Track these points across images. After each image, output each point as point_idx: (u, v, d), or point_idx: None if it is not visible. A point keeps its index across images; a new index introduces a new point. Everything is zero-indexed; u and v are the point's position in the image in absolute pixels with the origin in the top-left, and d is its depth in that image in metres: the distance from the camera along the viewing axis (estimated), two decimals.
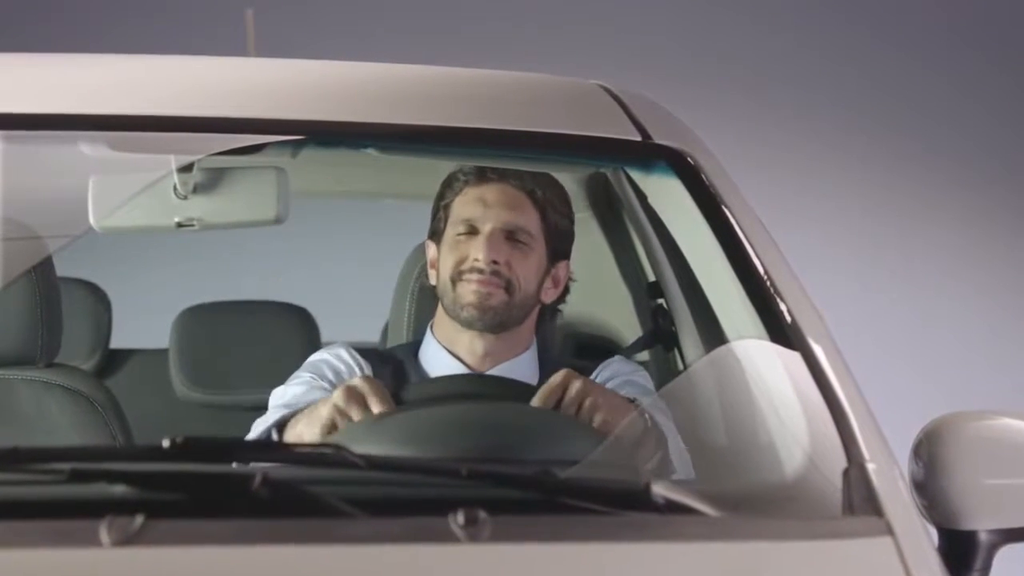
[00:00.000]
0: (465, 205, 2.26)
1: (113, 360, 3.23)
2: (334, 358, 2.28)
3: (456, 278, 2.24)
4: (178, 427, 2.98)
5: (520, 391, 2.08)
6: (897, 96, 5.24)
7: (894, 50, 5.23)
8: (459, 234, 2.25)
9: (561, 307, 2.44)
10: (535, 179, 2.27)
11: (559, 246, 2.31)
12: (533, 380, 2.28)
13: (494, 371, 2.27)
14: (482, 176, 2.26)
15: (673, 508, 1.49)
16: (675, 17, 5.22)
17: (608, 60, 4.82)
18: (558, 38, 5.11)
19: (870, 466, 1.56)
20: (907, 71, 5.23)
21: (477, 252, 2.22)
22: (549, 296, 2.32)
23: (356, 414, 1.94)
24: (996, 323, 5.22)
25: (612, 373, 2.30)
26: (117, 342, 3.26)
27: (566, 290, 2.38)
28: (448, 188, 2.30)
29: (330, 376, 2.24)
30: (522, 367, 2.30)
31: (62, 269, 2.51)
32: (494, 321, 2.24)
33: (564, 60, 4.45)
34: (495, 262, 2.21)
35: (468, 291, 2.23)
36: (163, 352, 3.17)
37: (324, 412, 1.97)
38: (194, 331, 3.17)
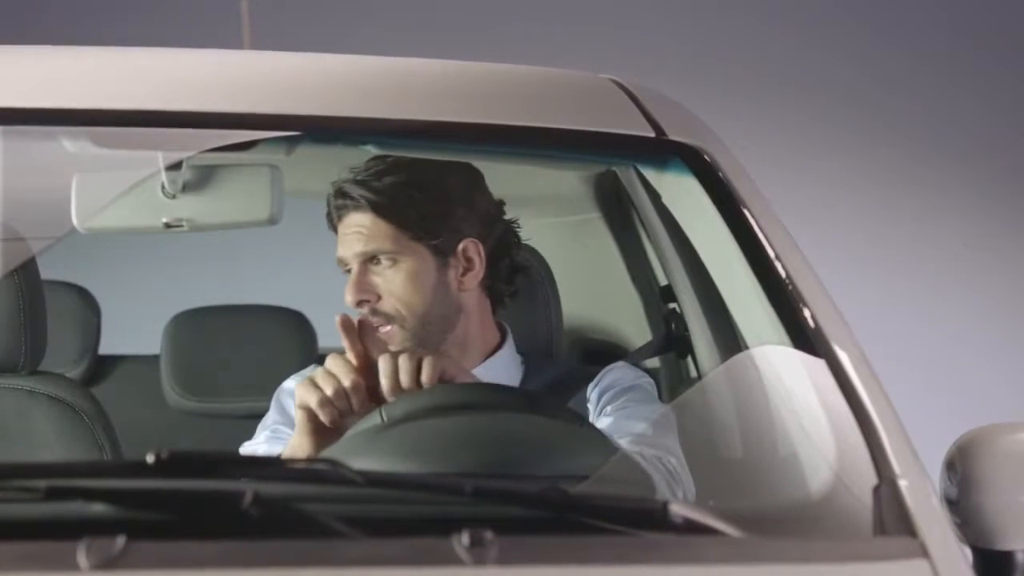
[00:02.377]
0: (337, 247, 2.18)
1: (102, 367, 3.18)
2: None
3: None
4: (169, 436, 3.01)
5: (497, 395, 1.96)
6: (906, 96, 5.20)
7: (899, 50, 5.22)
8: (345, 274, 2.18)
9: (555, 307, 2.38)
10: (384, 185, 2.14)
11: (448, 234, 2.16)
12: (514, 380, 2.21)
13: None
14: (339, 209, 2.17)
15: (692, 528, 1.43)
16: (679, 15, 5.21)
17: (611, 58, 4.77)
18: (564, 33, 5.07)
19: (902, 482, 1.50)
20: (916, 71, 5.23)
21: (347, 297, 2.14)
22: (470, 282, 2.18)
23: (326, 415, 1.91)
24: (1012, 330, 5.16)
25: (613, 379, 2.21)
26: (106, 348, 3.20)
27: (506, 263, 2.24)
28: (329, 224, 2.22)
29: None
30: (498, 368, 2.21)
31: (48, 272, 2.46)
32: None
33: (569, 56, 4.40)
34: (364, 301, 2.13)
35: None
36: (154, 358, 3.13)
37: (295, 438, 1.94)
38: (187, 336, 3.12)
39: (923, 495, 1.49)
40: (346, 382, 1.93)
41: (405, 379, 1.92)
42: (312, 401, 1.93)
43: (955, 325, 5.17)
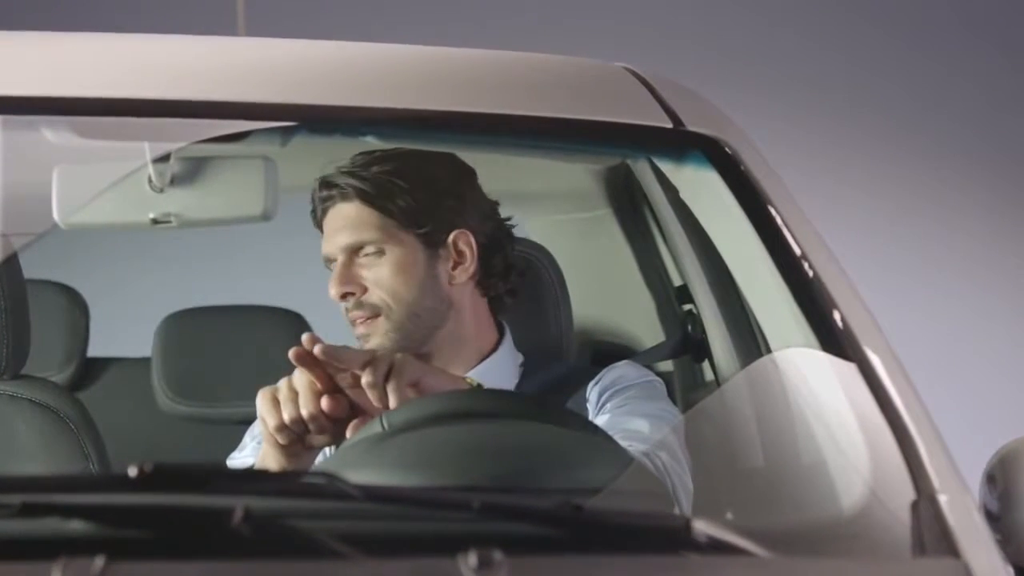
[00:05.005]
0: (323, 244, 2.15)
1: (91, 370, 3.11)
2: None
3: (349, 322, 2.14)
4: (161, 442, 2.96)
5: (507, 401, 1.90)
6: (915, 94, 5.20)
7: (909, 47, 5.24)
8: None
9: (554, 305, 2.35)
10: (369, 174, 2.11)
11: (437, 225, 2.13)
12: (511, 382, 2.16)
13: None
14: (323, 203, 2.14)
15: (717, 547, 1.36)
16: (687, 12, 5.18)
17: (615, 52, 4.74)
18: (574, 21, 5.03)
19: (942, 498, 1.45)
20: (923, 68, 5.22)
21: (330, 291, 2.11)
22: (461, 275, 2.14)
23: (283, 438, 1.85)
24: (1019, 331, 5.16)
25: (616, 377, 2.15)
26: (95, 350, 3.14)
27: (499, 259, 2.19)
28: (314, 222, 2.18)
29: None
30: (494, 370, 2.16)
31: (33, 270, 2.42)
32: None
33: (579, 45, 4.36)
34: (349, 294, 2.09)
35: (357, 342, 2.11)
36: (145, 361, 3.07)
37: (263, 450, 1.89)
38: (179, 338, 3.06)
39: (965, 512, 1.44)
40: (304, 410, 1.85)
41: (368, 380, 1.83)
42: (270, 422, 1.87)
43: (962, 325, 5.16)
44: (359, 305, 2.09)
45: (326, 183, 2.13)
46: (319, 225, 2.16)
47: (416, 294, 2.10)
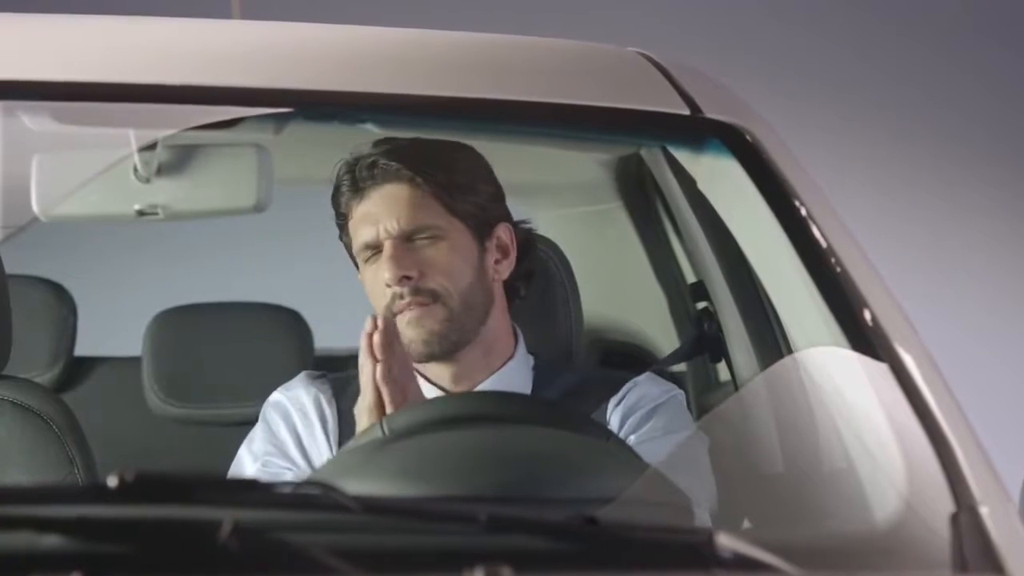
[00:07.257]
0: (358, 228, 2.07)
1: (78, 370, 3.08)
2: (291, 404, 2.11)
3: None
4: (151, 446, 2.92)
5: (515, 405, 1.88)
6: (925, 91, 5.20)
7: (920, 45, 5.23)
8: (366, 261, 2.08)
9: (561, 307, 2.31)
10: (422, 155, 2.06)
11: (484, 214, 2.10)
12: (525, 388, 2.12)
13: (482, 387, 2.09)
14: (364, 183, 2.06)
15: (741, 564, 1.32)
16: (695, 8, 5.16)
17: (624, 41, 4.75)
18: (581, 12, 5.00)
19: (983, 509, 1.40)
20: (932, 65, 5.22)
21: (384, 275, 2.03)
22: (503, 270, 2.12)
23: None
24: None
25: (639, 398, 2.09)
26: (83, 349, 3.12)
27: (527, 261, 2.17)
28: (337, 205, 2.11)
29: (288, 438, 2.09)
30: (510, 376, 2.12)
31: (18, 265, 2.36)
32: (446, 345, 2.05)
33: (591, 32, 4.34)
34: (407, 278, 2.02)
35: (403, 326, 2.04)
36: (135, 360, 3.03)
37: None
38: (171, 336, 3.03)
39: (1008, 524, 1.40)
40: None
41: None
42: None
43: (978, 326, 5.14)
44: (416, 291, 2.03)
45: (370, 163, 2.05)
46: (347, 208, 2.08)
47: (469, 283, 2.07)
